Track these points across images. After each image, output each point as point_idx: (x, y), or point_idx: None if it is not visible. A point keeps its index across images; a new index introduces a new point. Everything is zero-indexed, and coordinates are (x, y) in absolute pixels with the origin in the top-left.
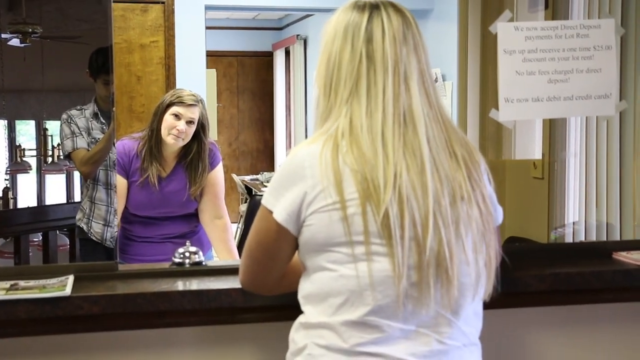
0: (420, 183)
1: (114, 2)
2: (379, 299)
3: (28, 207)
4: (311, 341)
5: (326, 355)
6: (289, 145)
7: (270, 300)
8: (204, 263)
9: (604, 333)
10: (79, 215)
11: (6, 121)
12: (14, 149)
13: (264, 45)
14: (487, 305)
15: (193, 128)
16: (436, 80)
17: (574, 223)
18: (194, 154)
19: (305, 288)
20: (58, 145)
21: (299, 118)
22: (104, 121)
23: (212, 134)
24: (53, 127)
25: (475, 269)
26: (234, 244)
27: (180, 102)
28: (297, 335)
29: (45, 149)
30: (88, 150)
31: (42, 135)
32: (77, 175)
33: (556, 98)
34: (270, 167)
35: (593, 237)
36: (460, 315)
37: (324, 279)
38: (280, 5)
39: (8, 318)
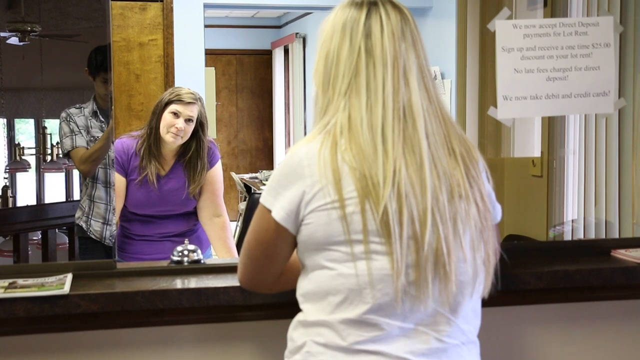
0: (418, 179)
1: (112, 0)
2: (378, 298)
3: (27, 206)
4: (310, 339)
5: (325, 353)
6: (288, 144)
7: (268, 298)
8: (202, 261)
9: (603, 331)
10: (78, 214)
11: (5, 120)
12: (13, 148)
13: (262, 44)
14: (485, 303)
15: (192, 126)
16: (435, 78)
17: (572, 221)
18: (192, 152)
19: (303, 286)
20: (57, 143)
21: (298, 116)
22: (102, 119)
23: (211, 132)
24: (52, 125)
25: (473, 267)
26: (232, 242)
27: (179, 100)
28: (296, 333)
29: (45, 148)
30: (87, 148)
31: (41, 133)
32: (76, 173)
33: (555, 96)
34: (270, 166)
35: (592, 235)
36: (459, 314)
37: (323, 278)
38: (279, 4)
39: (7, 316)
